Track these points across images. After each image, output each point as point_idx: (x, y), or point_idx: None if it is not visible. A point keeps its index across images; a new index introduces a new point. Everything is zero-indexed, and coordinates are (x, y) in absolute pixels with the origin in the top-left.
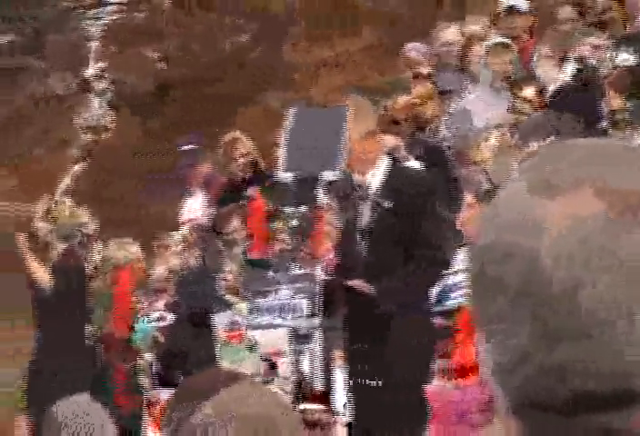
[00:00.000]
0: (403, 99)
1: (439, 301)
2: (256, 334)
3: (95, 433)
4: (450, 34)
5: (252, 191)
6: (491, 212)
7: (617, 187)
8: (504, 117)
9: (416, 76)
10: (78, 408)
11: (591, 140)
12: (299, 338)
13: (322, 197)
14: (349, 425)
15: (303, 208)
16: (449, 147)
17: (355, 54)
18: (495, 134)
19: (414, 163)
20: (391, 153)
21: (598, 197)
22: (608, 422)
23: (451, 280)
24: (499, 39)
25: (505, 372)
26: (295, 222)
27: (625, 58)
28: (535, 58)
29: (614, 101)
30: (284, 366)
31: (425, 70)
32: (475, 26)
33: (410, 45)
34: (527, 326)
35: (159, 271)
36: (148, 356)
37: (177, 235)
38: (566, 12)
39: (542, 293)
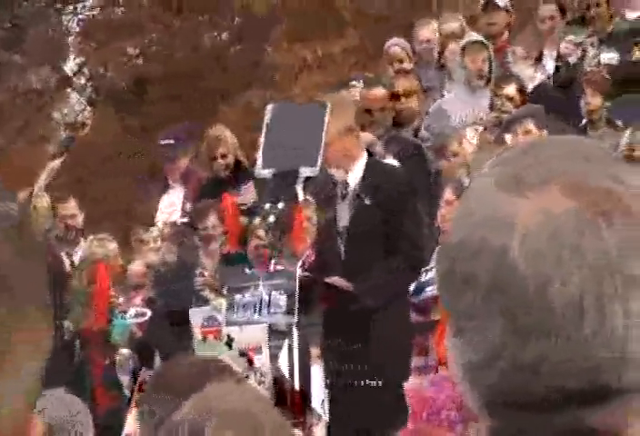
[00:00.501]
0: (379, 90)
1: (413, 295)
2: (234, 330)
3: (74, 426)
4: (427, 31)
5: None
6: (461, 208)
7: (586, 185)
8: (480, 115)
9: (398, 72)
10: (55, 401)
11: (562, 137)
12: (277, 334)
13: (300, 193)
14: (327, 423)
15: (281, 204)
16: (427, 145)
17: (336, 55)
18: (472, 132)
19: (392, 161)
20: (369, 150)
21: (566, 195)
22: (582, 419)
23: (427, 276)
24: (474, 37)
25: (476, 370)
26: (272, 219)
27: (610, 57)
28: (509, 57)
29: (592, 99)
30: (260, 362)
31: (407, 65)
32: (452, 24)
33: (392, 41)
34: (498, 323)
35: (137, 266)
36: (126, 352)
37: (155, 231)
38: (547, 9)
39: (512, 290)
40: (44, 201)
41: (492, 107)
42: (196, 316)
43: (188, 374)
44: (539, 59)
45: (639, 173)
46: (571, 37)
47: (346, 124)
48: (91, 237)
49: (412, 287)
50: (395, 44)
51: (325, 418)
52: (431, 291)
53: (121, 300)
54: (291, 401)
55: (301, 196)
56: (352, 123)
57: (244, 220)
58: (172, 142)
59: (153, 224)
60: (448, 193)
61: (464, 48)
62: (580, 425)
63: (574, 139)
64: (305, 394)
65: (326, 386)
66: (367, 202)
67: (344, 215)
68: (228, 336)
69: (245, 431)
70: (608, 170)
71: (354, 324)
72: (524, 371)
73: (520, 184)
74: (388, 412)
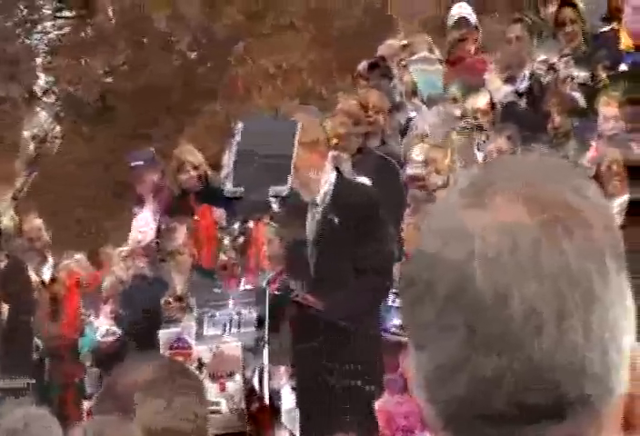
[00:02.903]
0: (354, 104)
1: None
2: (205, 355)
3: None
4: (384, 48)
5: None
6: (425, 222)
7: (547, 199)
8: (425, 132)
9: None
10: (27, 416)
11: (526, 154)
12: (247, 353)
13: (274, 209)
14: None
15: (251, 224)
16: (397, 161)
17: (299, 69)
18: (418, 149)
19: (362, 179)
20: (338, 168)
21: (527, 208)
22: (545, 433)
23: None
24: (423, 54)
25: (436, 384)
26: (242, 239)
27: (582, 75)
28: (487, 75)
29: (557, 118)
30: (233, 389)
31: (362, 90)
32: (406, 40)
33: (364, 62)
34: (458, 336)
35: (106, 282)
36: (95, 371)
37: (124, 248)
38: (515, 30)
39: (472, 302)
40: (10, 218)
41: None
42: (165, 337)
43: (142, 382)
44: (511, 78)
45: (600, 193)
46: (543, 58)
47: (313, 138)
48: (65, 260)
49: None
50: (364, 64)
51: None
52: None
53: (91, 317)
54: (261, 418)
55: (272, 213)
56: (319, 136)
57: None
58: (141, 163)
59: (123, 242)
60: (408, 216)
61: (405, 65)
62: None
63: (537, 155)
64: (274, 411)
65: (297, 404)
66: (336, 221)
67: (313, 234)
68: (199, 360)
69: None
70: (571, 184)
71: (323, 342)
72: (484, 384)
73: (482, 198)
74: (359, 431)
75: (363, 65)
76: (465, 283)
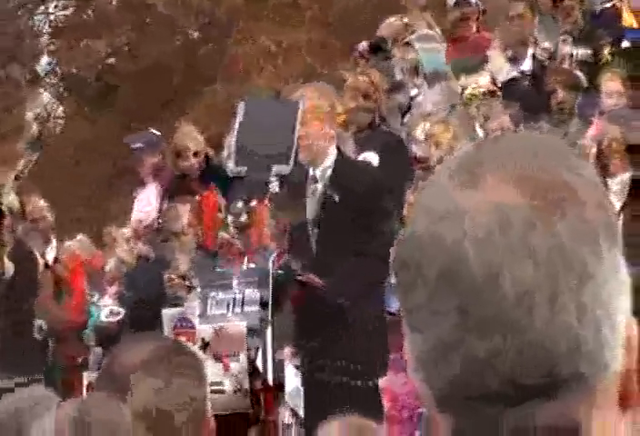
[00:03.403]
0: (362, 78)
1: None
2: (208, 334)
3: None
4: (385, 27)
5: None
6: (416, 202)
7: (541, 178)
8: (428, 110)
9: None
10: (35, 396)
11: (521, 133)
12: (251, 333)
13: (273, 191)
14: (303, 420)
15: (254, 203)
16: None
17: (301, 48)
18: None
19: (370, 155)
20: (339, 146)
21: (520, 188)
22: (539, 413)
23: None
24: (425, 31)
25: (430, 365)
26: (244, 218)
27: (582, 53)
28: (490, 52)
29: (562, 95)
30: (237, 369)
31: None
32: (407, 19)
33: (364, 43)
34: (450, 317)
35: (110, 264)
36: (99, 350)
37: (127, 229)
38: (517, 8)
39: (463, 283)
40: (13, 200)
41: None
42: (169, 317)
43: (138, 362)
44: (514, 58)
45: (595, 170)
46: (546, 45)
47: (325, 107)
48: (68, 241)
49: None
50: (360, 46)
51: (301, 415)
52: None
53: (96, 297)
54: (265, 399)
55: (276, 190)
56: (331, 105)
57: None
58: (142, 145)
59: (126, 223)
60: (410, 196)
61: (407, 44)
62: (536, 419)
63: (532, 134)
64: (278, 392)
65: (302, 384)
66: (336, 199)
67: (314, 212)
68: (203, 340)
69: None
70: (565, 163)
71: (327, 321)
72: (478, 365)
73: (473, 178)
74: (364, 409)
75: (363, 46)
76: (457, 265)
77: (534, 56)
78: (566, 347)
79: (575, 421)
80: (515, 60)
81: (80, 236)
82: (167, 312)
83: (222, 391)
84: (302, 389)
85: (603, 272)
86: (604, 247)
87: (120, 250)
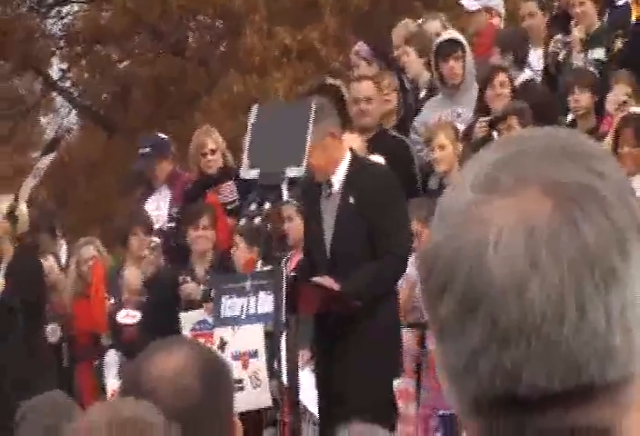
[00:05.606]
0: (366, 82)
1: None
2: (227, 334)
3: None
4: (400, 30)
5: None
6: (437, 211)
7: (563, 182)
8: (458, 114)
9: (359, 78)
10: (53, 401)
11: (537, 130)
12: (265, 335)
13: (285, 193)
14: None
15: (267, 205)
16: (416, 140)
17: (316, 43)
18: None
19: (377, 158)
20: (351, 148)
21: (543, 193)
22: (569, 418)
23: None
24: (451, 35)
25: (458, 374)
26: (258, 220)
27: (597, 53)
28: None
29: (580, 96)
30: (256, 366)
31: (364, 70)
32: (432, 23)
33: (356, 46)
34: (477, 327)
35: (129, 271)
36: (114, 353)
37: (142, 237)
38: (527, 7)
39: (490, 291)
40: (24, 208)
41: (479, 109)
42: (187, 320)
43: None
44: (523, 60)
45: (617, 165)
46: (558, 36)
47: (328, 131)
48: (82, 240)
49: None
50: (357, 50)
51: (316, 416)
52: None
53: (112, 301)
54: (280, 400)
55: (285, 196)
56: (334, 128)
57: (230, 221)
58: (148, 150)
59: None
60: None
61: (437, 48)
62: (567, 424)
63: (550, 131)
64: (293, 394)
65: (317, 386)
66: (352, 201)
67: (329, 215)
68: (221, 339)
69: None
70: (586, 163)
71: (343, 323)
72: (505, 374)
73: (495, 185)
74: (378, 411)
75: (364, 48)
76: (483, 274)
77: (546, 54)
78: (595, 353)
79: (603, 425)
80: (523, 61)
81: (92, 238)
82: (185, 315)
83: (241, 388)
84: (317, 391)
85: (629, 271)
86: (631, 247)
87: (135, 255)
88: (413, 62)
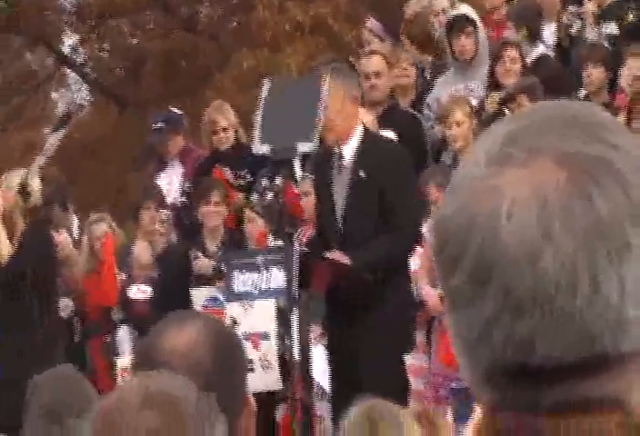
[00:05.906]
0: (377, 57)
1: None
2: (238, 313)
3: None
4: (413, 5)
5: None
6: (451, 183)
7: (576, 154)
8: (471, 89)
9: (371, 52)
10: (62, 375)
11: (551, 103)
12: (278, 310)
13: (298, 169)
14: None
15: (278, 180)
16: (430, 116)
17: (328, 18)
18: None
19: (388, 133)
20: (364, 124)
21: (556, 165)
22: (582, 388)
23: None
24: (462, 10)
25: (472, 345)
26: (270, 195)
27: (610, 27)
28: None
29: (594, 70)
30: (266, 347)
31: (376, 46)
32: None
33: (367, 23)
34: (490, 297)
35: (143, 248)
36: (125, 328)
37: (153, 212)
38: None
39: (502, 261)
40: (36, 182)
41: (490, 85)
42: (198, 297)
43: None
44: (536, 35)
45: (633, 137)
46: (572, 8)
47: (352, 93)
48: (93, 216)
49: None
50: (369, 27)
51: (328, 392)
52: None
53: (123, 277)
54: (292, 378)
55: (299, 172)
56: (357, 92)
57: (241, 196)
58: (162, 125)
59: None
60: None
61: (449, 23)
62: (581, 395)
63: (564, 104)
64: (305, 371)
65: (329, 362)
66: (363, 175)
67: (340, 189)
68: (232, 319)
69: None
70: (600, 135)
71: (355, 298)
72: (518, 344)
73: (507, 157)
74: (389, 388)
75: (376, 25)
76: (496, 245)
77: (559, 28)
78: (607, 324)
79: (617, 397)
80: (536, 36)
81: (104, 215)
82: (196, 292)
83: (251, 369)
84: (329, 367)
85: None
86: None
87: (147, 230)
88: (410, 51)
